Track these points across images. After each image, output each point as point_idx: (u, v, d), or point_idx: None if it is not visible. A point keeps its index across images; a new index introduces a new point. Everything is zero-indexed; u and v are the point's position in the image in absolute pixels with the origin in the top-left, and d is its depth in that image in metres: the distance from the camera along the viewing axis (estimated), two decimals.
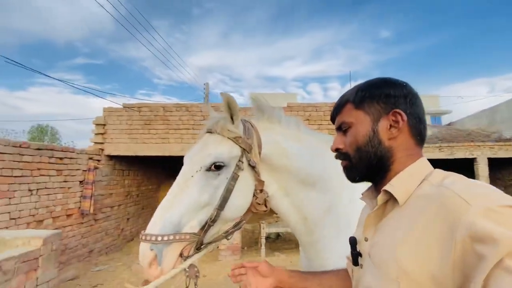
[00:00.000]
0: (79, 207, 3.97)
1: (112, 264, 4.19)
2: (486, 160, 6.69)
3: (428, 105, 19.40)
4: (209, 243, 0.85)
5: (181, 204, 0.80)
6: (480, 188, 0.42)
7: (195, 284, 0.80)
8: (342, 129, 0.61)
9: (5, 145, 2.86)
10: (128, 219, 5.35)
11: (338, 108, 0.63)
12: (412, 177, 0.52)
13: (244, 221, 0.94)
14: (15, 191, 2.97)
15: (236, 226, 0.91)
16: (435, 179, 0.49)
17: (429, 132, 8.27)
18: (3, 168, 2.82)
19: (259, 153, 0.90)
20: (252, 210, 0.91)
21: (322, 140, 1.01)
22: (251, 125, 0.92)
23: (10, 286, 1.88)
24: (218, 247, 4.74)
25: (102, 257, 4.46)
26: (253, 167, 0.87)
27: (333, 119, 0.66)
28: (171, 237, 0.75)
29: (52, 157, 3.48)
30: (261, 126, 0.96)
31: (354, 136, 0.58)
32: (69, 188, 3.76)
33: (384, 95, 0.56)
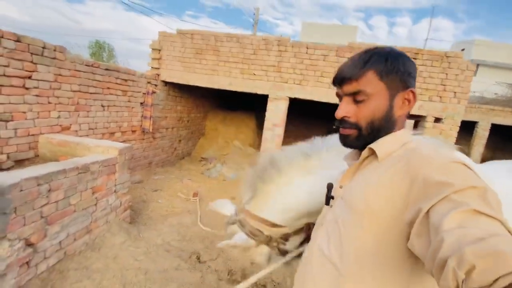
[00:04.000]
0: (141, 125, 4.52)
1: (167, 175, 4.95)
2: None
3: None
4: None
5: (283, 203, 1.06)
6: (441, 152, 0.49)
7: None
8: (356, 97, 0.59)
9: (80, 64, 3.20)
10: (180, 140, 6.00)
11: (357, 72, 0.58)
12: (394, 142, 0.59)
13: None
14: (91, 106, 3.46)
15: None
16: (412, 145, 0.57)
17: (509, 92, 6.94)
18: (81, 84, 3.23)
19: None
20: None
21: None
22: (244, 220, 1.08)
23: (96, 183, 2.41)
24: None
25: (159, 168, 5.27)
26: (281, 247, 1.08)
27: (342, 81, 0.61)
28: None
29: (118, 78, 3.83)
30: (253, 207, 1.07)
31: (371, 109, 0.58)
32: (132, 108, 4.23)
33: (407, 72, 0.58)
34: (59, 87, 2.98)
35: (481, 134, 8.21)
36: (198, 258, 2.55)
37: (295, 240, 1.05)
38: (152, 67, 4.92)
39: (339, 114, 0.61)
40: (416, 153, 0.52)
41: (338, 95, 0.64)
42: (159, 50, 4.87)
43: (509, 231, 0.36)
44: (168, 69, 4.90)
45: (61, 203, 2.08)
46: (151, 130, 4.59)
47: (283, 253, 1.05)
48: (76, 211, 2.22)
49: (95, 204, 2.44)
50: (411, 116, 4.35)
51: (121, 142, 4.04)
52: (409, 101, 0.59)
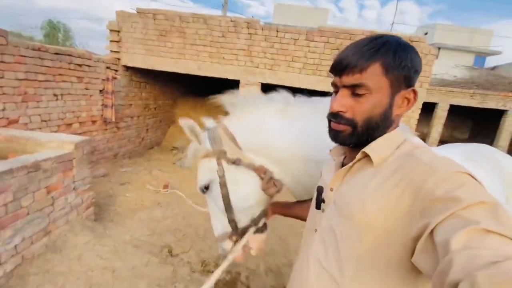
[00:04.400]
0: (102, 115, 4.20)
1: (135, 167, 4.72)
2: None
3: (478, 41, 16.77)
4: (247, 228, 1.02)
5: (214, 217, 1.05)
6: (442, 160, 0.47)
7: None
8: (356, 90, 0.54)
9: (26, 48, 2.82)
10: (147, 129, 5.71)
11: (365, 62, 0.52)
12: (389, 145, 0.55)
13: (267, 205, 1.04)
14: (42, 95, 3.11)
15: (261, 214, 1.02)
16: (406, 148, 0.54)
17: (468, 75, 7.46)
18: (27, 71, 2.87)
19: (238, 146, 0.95)
20: (267, 194, 0.96)
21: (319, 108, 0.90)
22: (219, 130, 0.96)
23: (50, 182, 2.20)
24: None
25: (126, 160, 5.01)
26: (237, 164, 0.93)
27: (344, 70, 0.54)
28: (221, 238, 1.04)
29: (71, 63, 3.47)
30: (233, 121, 0.98)
31: (370, 105, 0.54)
32: (90, 96, 3.89)
33: (414, 70, 0.54)
34: (1, 75, 2.62)
35: (440, 115, 8.83)
36: (170, 252, 2.49)
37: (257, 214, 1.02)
38: (111, 51, 4.52)
39: (335, 107, 0.56)
40: (416, 161, 0.48)
41: (334, 84, 0.58)
42: (118, 31, 4.47)
43: None
44: (130, 52, 4.53)
45: (11, 205, 1.87)
46: (114, 120, 4.29)
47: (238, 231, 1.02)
48: (30, 213, 2.03)
49: (52, 204, 2.24)
50: None
51: (80, 134, 3.74)
52: (409, 100, 0.56)
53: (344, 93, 0.56)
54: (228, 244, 1.03)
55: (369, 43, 0.54)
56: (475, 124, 9.96)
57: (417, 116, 4.26)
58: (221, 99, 1.01)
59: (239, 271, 2.33)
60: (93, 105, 3.98)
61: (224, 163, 0.93)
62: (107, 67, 4.18)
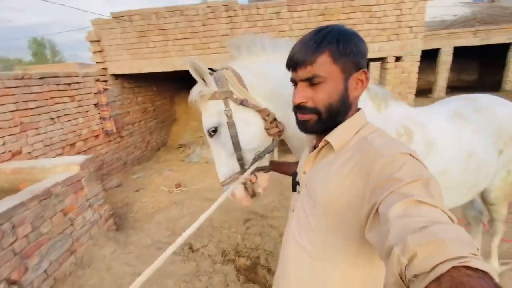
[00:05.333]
0: (102, 128, 4.26)
1: (146, 172, 4.85)
2: None
3: None
4: (254, 167, 1.05)
5: (220, 162, 1.06)
6: (390, 143, 0.53)
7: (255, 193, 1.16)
8: (312, 81, 0.58)
9: (9, 79, 2.85)
10: (151, 132, 5.78)
11: (312, 55, 0.57)
12: (349, 130, 0.60)
13: (272, 147, 1.07)
14: (38, 121, 3.17)
15: (266, 150, 1.06)
16: (364, 133, 0.59)
17: (468, 12, 6.96)
18: (17, 102, 2.91)
19: (245, 87, 0.97)
20: (269, 134, 1.01)
21: None
22: (225, 71, 0.98)
23: (64, 204, 2.30)
24: None
25: (136, 166, 5.13)
26: (244, 104, 0.96)
27: (296, 65, 0.60)
28: (229, 180, 1.05)
29: (59, 83, 3.48)
30: (240, 64, 1.00)
31: (328, 93, 0.58)
32: (86, 112, 3.93)
33: (360, 53, 0.58)
34: None
35: (445, 60, 8.39)
36: (191, 248, 2.61)
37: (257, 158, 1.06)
38: (96, 62, 4.48)
39: (296, 100, 0.61)
40: (368, 145, 0.54)
41: (293, 80, 0.63)
42: (98, 41, 4.40)
43: (450, 218, 0.38)
44: (115, 60, 4.49)
45: (32, 235, 1.99)
46: (115, 130, 4.35)
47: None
48: (51, 238, 2.15)
49: (71, 225, 2.36)
50: (373, 60, 4.33)
51: (85, 151, 3.83)
52: (362, 81, 0.60)
53: (302, 85, 0.60)
54: (239, 191, 1.08)
55: (313, 37, 0.58)
56: (481, 64, 9.46)
57: (416, 69, 4.08)
58: (230, 41, 1.02)
59: (258, 255, 2.42)
60: (92, 120, 4.03)
61: (231, 103, 0.96)
62: (96, 80, 4.18)
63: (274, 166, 1.14)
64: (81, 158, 2.62)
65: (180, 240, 0.76)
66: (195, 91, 0.99)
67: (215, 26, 4.19)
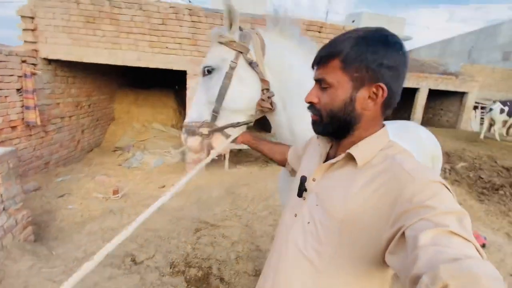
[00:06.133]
0: (23, 118, 3.56)
1: (74, 175, 4.19)
2: (427, 91, 7.48)
3: (393, 28, 19.16)
4: (224, 127, 1.01)
5: (196, 103, 1.03)
6: (421, 168, 0.50)
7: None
8: (321, 84, 0.59)
9: None
10: (82, 130, 5.06)
11: (324, 58, 0.57)
12: (373, 147, 0.57)
13: (252, 119, 1.04)
14: None
15: (243, 122, 1.03)
16: (389, 152, 0.56)
17: None
18: None
19: (263, 55, 0.95)
20: (260, 106, 0.99)
21: None
22: (255, 34, 0.96)
23: None
24: (184, 161, 4.97)
25: (60, 168, 4.39)
26: (253, 67, 0.94)
27: (314, 63, 0.61)
28: (193, 124, 1.01)
29: None
30: (269, 36, 0.98)
31: (331, 99, 0.57)
32: (6, 97, 3.24)
33: (378, 63, 0.53)
34: None
35: None
36: (134, 260, 2.35)
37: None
38: (25, 41, 3.78)
39: (306, 98, 0.61)
40: (398, 167, 0.51)
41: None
42: (32, 18, 3.75)
43: (480, 255, 0.38)
44: (50, 43, 3.87)
45: None
46: (39, 123, 3.68)
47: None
48: None
49: None
50: None
51: None
52: (376, 95, 0.54)
53: (315, 86, 0.61)
54: (194, 139, 1.01)
55: (339, 37, 0.57)
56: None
57: None
58: (269, 13, 0.99)
59: (209, 265, 2.34)
60: (10, 107, 3.33)
61: (241, 59, 0.94)
62: (23, 61, 3.52)
63: (251, 140, 1.07)
64: (0, 149, 2.14)
65: (159, 202, 0.76)
66: (215, 31, 0.96)
67: (177, 27, 4.08)
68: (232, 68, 0.93)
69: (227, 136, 1.03)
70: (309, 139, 0.83)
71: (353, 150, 0.56)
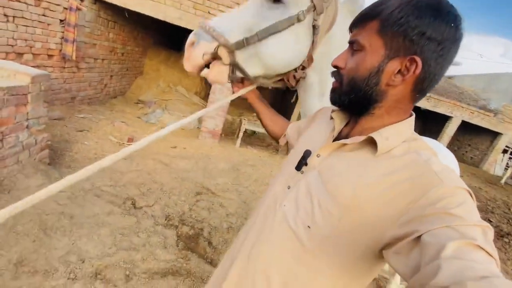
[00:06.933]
0: (61, 50, 3.70)
1: (95, 115, 4.36)
2: (460, 122, 7.11)
3: None
4: (240, 68, 0.79)
5: (234, 18, 0.78)
6: (449, 172, 0.46)
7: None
8: (353, 47, 0.52)
9: None
10: (111, 76, 5.21)
11: (363, 18, 0.51)
12: (398, 136, 0.51)
13: (269, 81, 0.89)
14: None
15: (271, 77, 0.87)
16: (413, 144, 0.51)
17: None
18: None
19: (331, 24, 0.83)
20: (289, 75, 0.85)
21: None
22: (337, 4, 0.83)
23: (1, 115, 1.95)
24: (200, 128, 5.06)
25: (84, 106, 4.57)
26: (315, 30, 0.79)
27: (353, 24, 0.54)
28: (215, 32, 0.74)
29: None
30: (348, 8, 0.86)
31: (357, 63, 0.51)
32: (48, 25, 3.36)
33: (419, 32, 0.45)
34: None
35: None
36: (134, 204, 2.47)
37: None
38: None
39: (333, 61, 0.55)
40: (426, 166, 0.46)
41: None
42: None
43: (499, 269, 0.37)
44: None
45: None
46: (74, 58, 3.81)
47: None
48: None
49: (1, 140, 2.01)
50: None
51: (32, 67, 3.27)
52: (407, 71, 0.47)
53: (347, 49, 0.55)
54: (203, 50, 0.75)
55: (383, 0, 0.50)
56: (424, 124, 11.16)
57: None
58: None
59: (202, 227, 2.42)
60: (51, 36, 3.46)
61: (311, 16, 0.78)
62: None
63: (256, 99, 0.94)
64: (35, 71, 2.25)
65: (172, 127, 0.63)
66: None
67: None
68: (297, 18, 0.76)
69: (235, 78, 0.82)
70: (314, 113, 0.76)
71: (376, 136, 0.50)
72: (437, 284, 0.34)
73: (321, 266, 0.53)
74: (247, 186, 3.45)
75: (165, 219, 2.39)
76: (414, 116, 0.54)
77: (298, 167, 0.60)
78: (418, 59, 0.45)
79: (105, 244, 1.92)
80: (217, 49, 0.74)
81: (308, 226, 0.53)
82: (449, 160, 1.60)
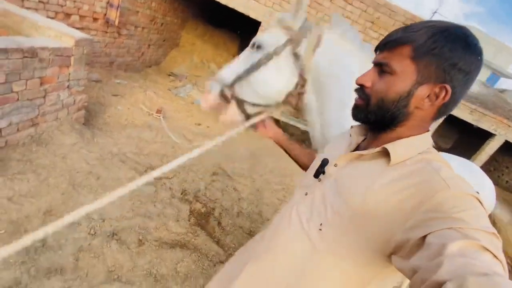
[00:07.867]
0: (105, 14, 3.81)
1: (130, 82, 4.53)
2: (503, 142, 6.41)
3: (498, 58, 16.23)
4: (243, 101, 0.99)
5: (232, 68, 1.01)
6: (458, 178, 0.46)
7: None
8: (382, 68, 0.54)
9: None
10: (149, 45, 5.33)
11: (394, 43, 0.52)
12: (412, 148, 0.53)
13: (273, 108, 1.03)
14: None
15: (265, 108, 1.02)
16: (427, 156, 0.52)
17: (476, 89, 7.41)
18: None
19: (314, 53, 0.92)
20: (287, 99, 0.97)
21: None
22: (316, 31, 0.93)
23: (45, 73, 2.08)
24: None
25: (121, 72, 4.75)
26: (297, 58, 0.92)
27: (379, 47, 0.56)
28: (217, 80, 1.01)
29: None
30: (330, 37, 0.94)
31: (388, 87, 0.52)
32: None
33: (451, 63, 0.47)
34: None
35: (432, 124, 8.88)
36: None
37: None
38: None
39: (358, 80, 0.57)
40: (434, 172, 0.47)
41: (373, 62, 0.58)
42: None
43: (506, 274, 0.37)
44: None
45: (2, 87, 1.79)
46: (116, 24, 3.93)
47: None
48: (20, 99, 1.96)
49: (44, 97, 2.16)
50: None
51: (78, 29, 3.42)
52: (436, 97, 0.50)
53: (373, 69, 0.56)
54: (208, 97, 1.02)
55: (413, 25, 0.52)
56: (460, 137, 10.30)
57: None
58: (336, 16, 0.96)
59: (214, 207, 2.51)
60: (97, 0, 3.56)
61: (288, 48, 0.93)
62: None
63: (282, 139, 1.04)
64: (79, 34, 2.35)
65: (186, 156, 0.79)
66: (280, 14, 0.97)
67: None
68: (275, 53, 0.92)
69: (244, 111, 1.00)
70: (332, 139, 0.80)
71: (390, 146, 0.53)
72: (437, 279, 0.34)
73: (330, 266, 0.56)
74: (262, 174, 3.47)
75: (181, 193, 2.50)
76: (430, 132, 0.57)
77: (316, 175, 0.64)
78: (448, 87, 0.48)
79: (124, 208, 2.06)
80: (222, 87, 0.99)
81: (320, 229, 0.56)
82: (491, 194, 1.47)
